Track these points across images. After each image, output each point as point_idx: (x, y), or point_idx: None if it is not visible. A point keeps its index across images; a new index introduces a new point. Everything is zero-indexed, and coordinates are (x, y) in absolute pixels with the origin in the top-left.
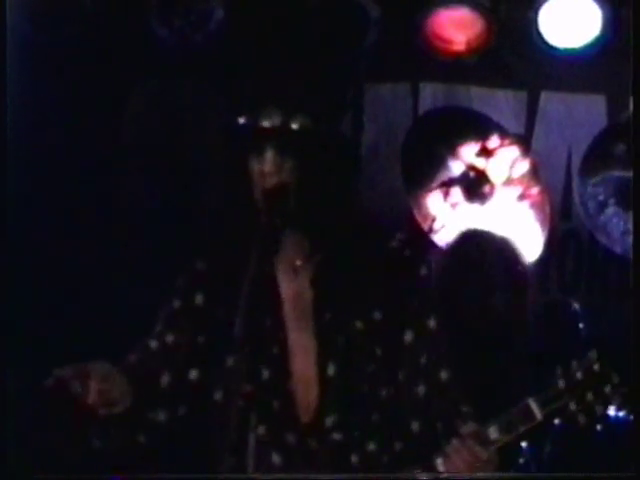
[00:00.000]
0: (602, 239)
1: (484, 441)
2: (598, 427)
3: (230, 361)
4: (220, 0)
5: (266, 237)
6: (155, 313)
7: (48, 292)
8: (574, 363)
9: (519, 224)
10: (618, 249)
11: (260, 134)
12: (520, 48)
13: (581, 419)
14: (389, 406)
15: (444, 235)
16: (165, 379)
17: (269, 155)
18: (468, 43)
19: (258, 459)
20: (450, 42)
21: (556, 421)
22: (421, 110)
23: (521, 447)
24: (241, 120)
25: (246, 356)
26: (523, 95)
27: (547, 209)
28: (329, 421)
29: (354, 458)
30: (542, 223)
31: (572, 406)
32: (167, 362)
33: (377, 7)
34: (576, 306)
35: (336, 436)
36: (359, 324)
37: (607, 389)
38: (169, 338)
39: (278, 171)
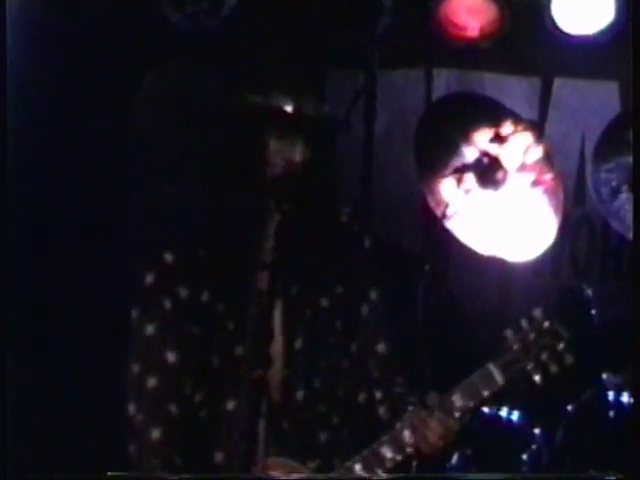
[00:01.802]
0: (615, 225)
1: (450, 410)
2: (610, 413)
3: (239, 349)
4: None
5: (277, 222)
6: None
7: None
8: (524, 323)
9: (532, 210)
10: (630, 235)
11: (270, 115)
12: (533, 34)
13: (537, 378)
14: (349, 379)
15: (457, 221)
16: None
17: (300, 144)
18: (481, 29)
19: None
20: (463, 28)
21: (569, 407)
22: (434, 96)
23: (533, 433)
24: (254, 100)
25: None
26: (536, 81)
27: (560, 195)
28: (299, 395)
29: (322, 436)
30: (555, 209)
31: (529, 366)
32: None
33: None
34: (588, 292)
35: (305, 413)
36: (324, 299)
37: (560, 347)
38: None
39: (282, 155)
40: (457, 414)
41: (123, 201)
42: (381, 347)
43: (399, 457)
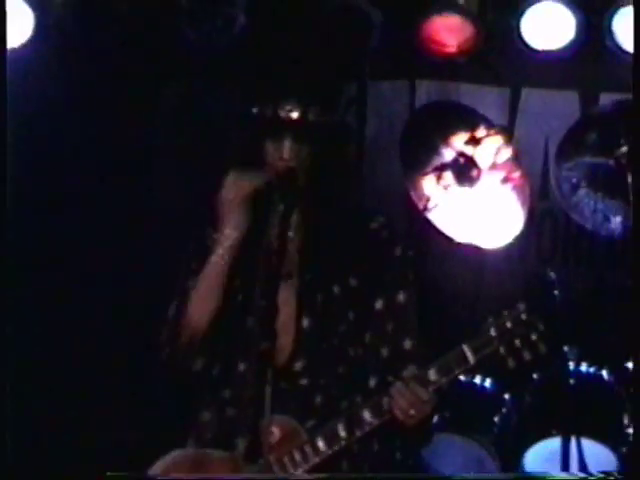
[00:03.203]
0: (575, 216)
1: (424, 382)
2: (571, 381)
3: (250, 321)
4: (242, 8)
5: (282, 213)
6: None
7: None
8: (504, 313)
9: (503, 204)
10: (589, 225)
11: (280, 125)
12: (504, 50)
13: (510, 363)
14: (354, 362)
15: (437, 213)
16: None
17: (287, 143)
18: (459, 46)
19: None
20: (443, 45)
21: (535, 376)
22: (417, 104)
23: (504, 399)
24: (263, 111)
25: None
26: (506, 91)
27: (527, 191)
28: (298, 366)
29: (318, 399)
30: (523, 203)
31: (502, 351)
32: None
33: (379, 13)
34: (552, 275)
35: (303, 380)
36: (336, 288)
37: (533, 336)
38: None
39: (294, 157)
40: (430, 387)
41: (146, 199)
42: (407, 343)
43: (377, 421)
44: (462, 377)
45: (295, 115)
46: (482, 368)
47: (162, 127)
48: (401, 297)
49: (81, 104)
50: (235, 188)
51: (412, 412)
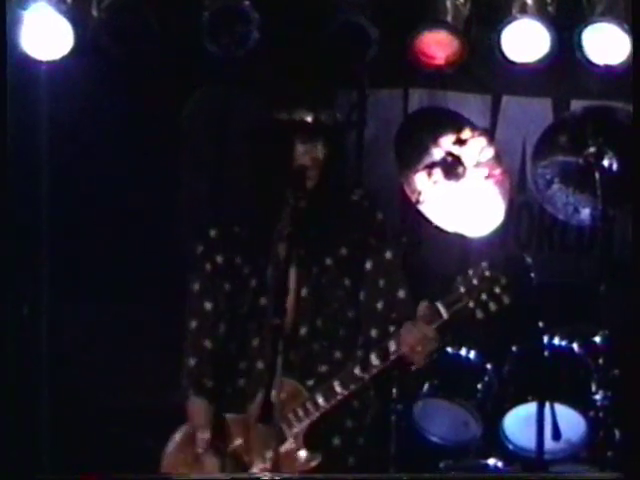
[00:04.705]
0: (549, 208)
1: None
2: (545, 353)
3: (263, 300)
4: (256, 25)
5: (292, 206)
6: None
7: None
8: (470, 271)
9: (486, 197)
10: (561, 216)
11: (296, 127)
12: (486, 62)
13: (479, 314)
14: (353, 324)
15: (427, 205)
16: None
17: (320, 145)
18: (446, 58)
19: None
20: (432, 58)
21: (513, 348)
22: (410, 110)
23: (486, 368)
24: (281, 116)
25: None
26: (488, 98)
27: (507, 185)
28: (303, 331)
29: (321, 361)
30: (503, 196)
31: (471, 304)
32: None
33: (376, 31)
34: (528, 260)
35: (306, 346)
36: (329, 259)
37: (497, 289)
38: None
39: (309, 155)
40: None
41: (174, 194)
42: (401, 293)
43: (382, 365)
44: (449, 349)
45: (330, 119)
46: (468, 338)
47: (187, 127)
48: (388, 255)
49: (115, 109)
50: None
51: (419, 348)
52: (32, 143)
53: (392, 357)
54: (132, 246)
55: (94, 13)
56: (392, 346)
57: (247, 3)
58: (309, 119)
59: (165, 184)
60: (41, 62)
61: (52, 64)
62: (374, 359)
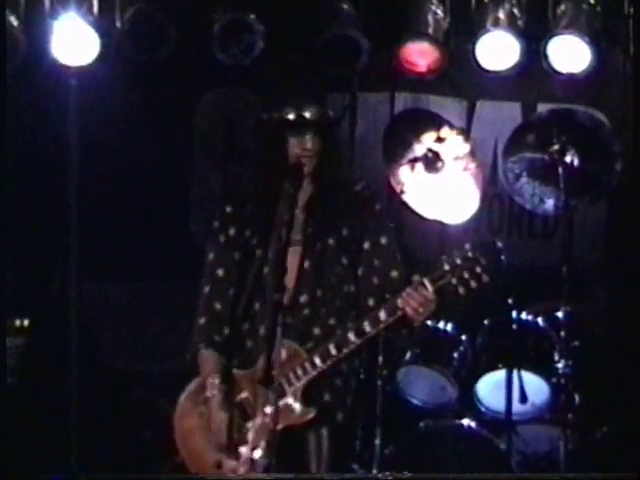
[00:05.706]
0: (517, 199)
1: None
2: (513, 326)
3: (266, 269)
4: (261, 36)
5: (290, 194)
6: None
7: None
8: (454, 252)
9: (462, 188)
10: (528, 206)
11: (286, 123)
12: (463, 70)
13: (461, 290)
14: (348, 298)
15: (410, 195)
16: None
17: (309, 137)
18: (428, 66)
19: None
20: (415, 65)
21: (486, 321)
22: (396, 111)
23: (461, 339)
24: (274, 114)
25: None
26: (464, 102)
27: (481, 178)
28: (303, 298)
29: (317, 326)
30: (478, 187)
31: (454, 281)
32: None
33: (366, 41)
34: (499, 244)
35: (306, 311)
36: (331, 239)
37: (478, 269)
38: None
39: (300, 146)
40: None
41: (189, 182)
42: (394, 273)
43: (390, 319)
44: (429, 322)
45: (315, 115)
46: (445, 312)
47: (199, 128)
48: (383, 240)
49: (136, 108)
50: None
51: (421, 310)
52: (64, 139)
53: (398, 314)
54: (153, 231)
55: (118, 24)
56: (399, 303)
57: (252, 16)
58: (296, 116)
59: (181, 175)
60: (69, 67)
61: (80, 69)
62: (383, 315)
